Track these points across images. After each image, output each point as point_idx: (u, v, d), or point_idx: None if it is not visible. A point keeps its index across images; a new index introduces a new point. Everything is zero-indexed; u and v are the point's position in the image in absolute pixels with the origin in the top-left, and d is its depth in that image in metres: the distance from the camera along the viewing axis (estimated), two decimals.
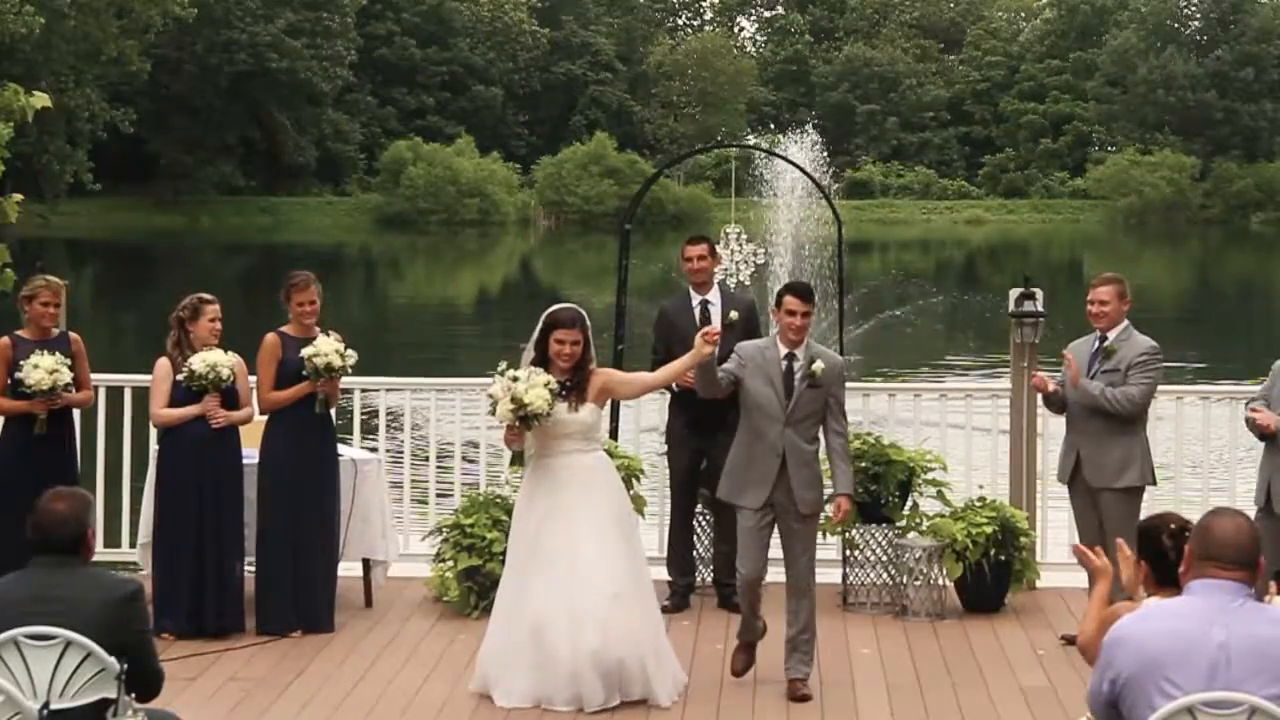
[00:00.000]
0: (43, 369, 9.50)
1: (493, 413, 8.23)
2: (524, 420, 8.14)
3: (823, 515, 9.03)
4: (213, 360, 9.62)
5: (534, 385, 8.14)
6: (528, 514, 8.40)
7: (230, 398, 9.76)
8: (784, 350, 8.56)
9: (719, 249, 11.28)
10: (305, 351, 9.69)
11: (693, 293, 10.54)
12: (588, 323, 8.49)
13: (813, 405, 8.54)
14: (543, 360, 8.37)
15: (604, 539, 8.25)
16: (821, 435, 8.68)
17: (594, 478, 8.39)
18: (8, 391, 9.69)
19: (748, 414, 8.60)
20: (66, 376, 9.59)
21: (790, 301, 8.59)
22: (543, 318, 8.50)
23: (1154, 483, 9.75)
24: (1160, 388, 9.84)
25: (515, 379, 8.16)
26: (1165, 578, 5.51)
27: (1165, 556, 5.54)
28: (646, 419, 11.73)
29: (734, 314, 10.39)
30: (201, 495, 9.70)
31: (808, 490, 8.54)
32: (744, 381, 8.53)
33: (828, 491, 8.81)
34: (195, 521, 9.68)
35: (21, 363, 9.53)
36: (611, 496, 8.45)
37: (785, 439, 8.49)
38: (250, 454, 9.90)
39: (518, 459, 8.56)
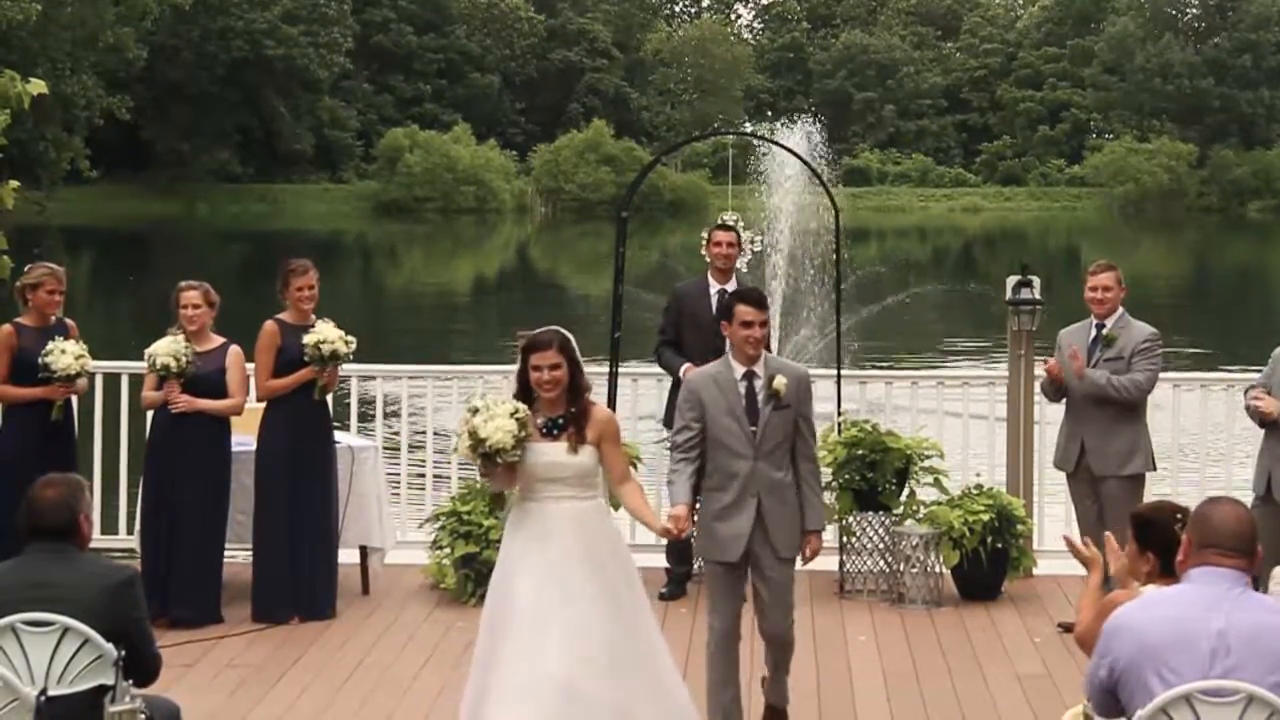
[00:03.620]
0: (70, 354, 9.56)
1: (455, 450, 7.15)
2: (486, 458, 6.90)
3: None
4: (151, 349, 9.67)
5: (494, 416, 6.90)
6: (509, 564, 7.06)
7: (208, 386, 9.74)
8: (740, 369, 7.40)
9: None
10: (309, 338, 9.70)
11: (711, 280, 10.51)
12: (574, 347, 7.14)
13: (783, 430, 7.39)
14: (525, 394, 7.08)
15: (607, 605, 6.92)
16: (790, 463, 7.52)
17: (593, 529, 7.04)
18: (9, 379, 9.71)
19: (713, 455, 7.38)
20: (90, 362, 9.66)
21: (744, 311, 7.39)
22: (521, 346, 7.24)
23: (1154, 469, 9.81)
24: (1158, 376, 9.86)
25: (474, 410, 6.96)
26: (1174, 568, 5.49)
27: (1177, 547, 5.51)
28: (644, 406, 11.72)
29: None
30: (168, 481, 9.71)
31: (785, 531, 7.42)
32: (706, 425, 7.36)
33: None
34: (163, 507, 9.70)
35: (49, 347, 9.57)
36: (606, 548, 7.07)
37: (758, 474, 7.35)
38: (247, 441, 9.91)
39: (498, 500, 7.36)
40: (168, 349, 9.62)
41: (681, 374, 10.18)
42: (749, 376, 7.37)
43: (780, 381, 7.34)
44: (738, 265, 11.18)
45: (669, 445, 7.48)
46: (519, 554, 6.99)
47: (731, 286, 10.40)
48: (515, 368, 7.26)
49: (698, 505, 7.59)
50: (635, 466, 10.46)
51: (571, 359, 7.05)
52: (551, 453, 6.99)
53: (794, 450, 7.43)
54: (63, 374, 9.58)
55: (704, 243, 10.64)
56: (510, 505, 7.31)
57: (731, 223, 11.17)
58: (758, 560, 7.42)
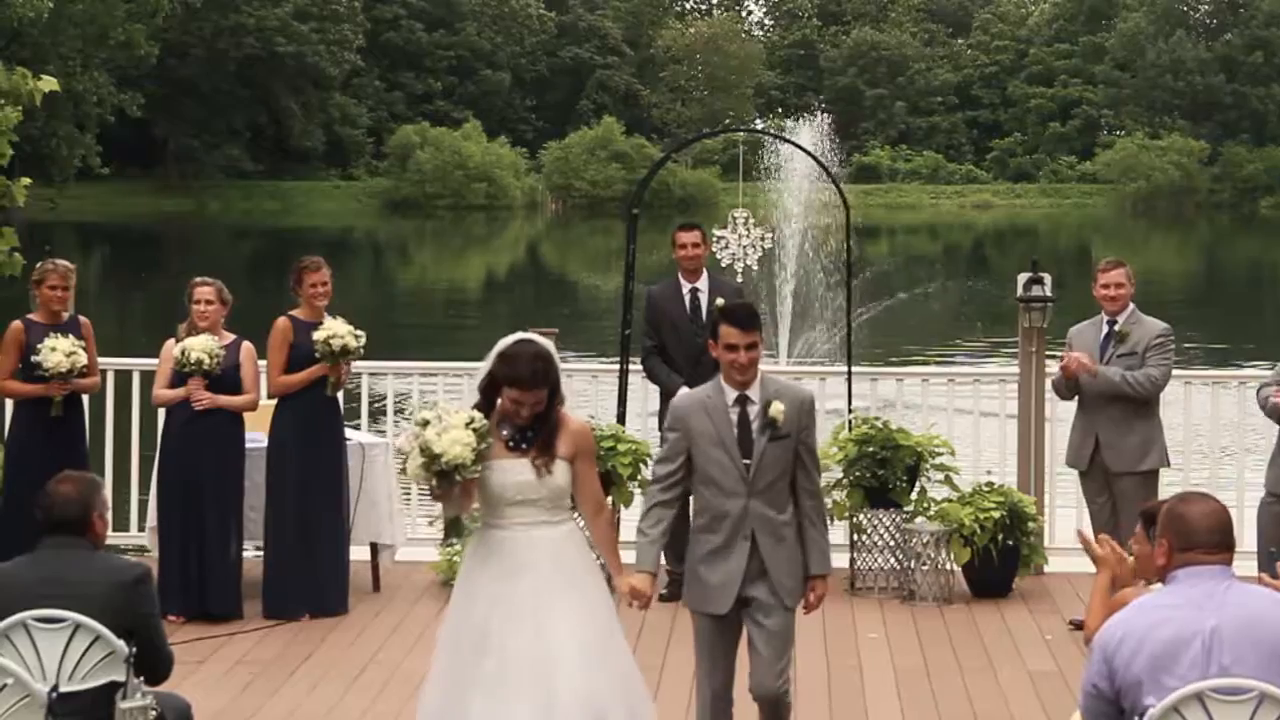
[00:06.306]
0: (60, 352, 9.56)
1: (404, 472, 6.22)
2: (442, 476, 6.05)
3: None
4: (184, 345, 9.67)
5: (449, 428, 6.04)
6: (471, 600, 6.22)
7: (224, 383, 9.75)
8: (732, 394, 6.43)
9: (726, 233, 11.27)
10: (319, 334, 9.71)
11: (682, 280, 10.52)
12: (555, 365, 6.25)
13: (781, 463, 6.44)
14: (487, 410, 6.21)
15: (581, 642, 6.12)
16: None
17: (567, 557, 6.23)
18: (19, 375, 9.74)
19: (700, 492, 6.50)
20: (83, 359, 9.68)
21: (728, 333, 6.36)
22: (493, 358, 6.23)
23: (1169, 464, 9.83)
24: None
25: (424, 423, 6.09)
26: None
27: None
28: (654, 403, 11.71)
29: (720, 300, 10.38)
30: (188, 478, 9.72)
31: (788, 577, 6.50)
32: (693, 456, 6.44)
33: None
34: (183, 504, 9.71)
35: (39, 346, 9.58)
36: (590, 580, 6.28)
37: (752, 514, 6.41)
38: (258, 438, 9.92)
39: (453, 528, 6.39)
40: (202, 346, 9.63)
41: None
42: (742, 402, 6.42)
43: (777, 408, 6.39)
44: (750, 263, 11.18)
45: (652, 477, 6.71)
46: (483, 590, 6.18)
47: (703, 284, 10.46)
48: (492, 353, 6.28)
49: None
50: (645, 463, 10.45)
51: (554, 384, 6.20)
52: (521, 470, 6.15)
53: (794, 484, 6.51)
54: (54, 371, 9.59)
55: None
56: (468, 531, 6.45)
57: (742, 217, 11.16)
58: (751, 607, 6.49)
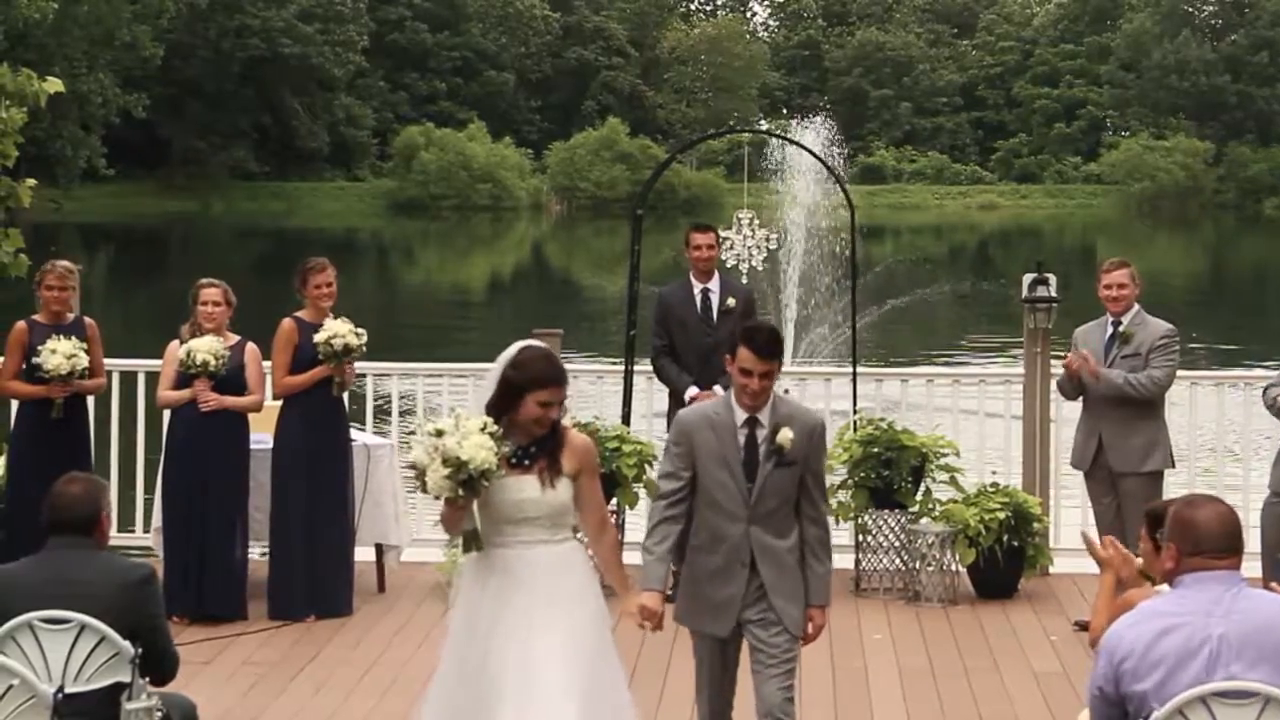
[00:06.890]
0: (60, 354, 9.56)
1: (423, 488, 5.87)
2: (467, 485, 5.77)
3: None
4: (189, 346, 9.67)
5: (468, 434, 5.76)
6: (474, 615, 6.07)
7: (229, 384, 9.76)
8: (742, 415, 6.29)
9: (731, 233, 11.28)
10: (319, 336, 9.71)
11: (694, 281, 10.53)
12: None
13: (784, 490, 6.29)
14: (498, 415, 5.97)
15: (579, 663, 5.95)
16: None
17: (564, 577, 6.04)
18: (23, 376, 9.75)
19: (700, 511, 6.37)
20: (84, 361, 9.66)
21: (745, 357, 6.18)
22: (505, 369, 6.03)
23: (1173, 465, 9.81)
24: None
25: (439, 432, 5.78)
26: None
27: None
28: (660, 403, 11.72)
29: (731, 300, 10.40)
30: (192, 479, 9.72)
31: (790, 603, 6.36)
32: (697, 473, 6.33)
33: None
34: (188, 505, 9.72)
35: (40, 348, 9.58)
36: (587, 601, 6.09)
37: (752, 540, 6.31)
38: (264, 439, 9.93)
39: (471, 541, 6.03)
40: (208, 347, 9.64)
41: (686, 399, 10.10)
42: (751, 424, 6.27)
43: (785, 435, 6.23)
44: (755, 264, 11.19)
45: (656, 493, 6.65)
46: (484, 608, 6.02)
47: (714, 285, 10.49)
48: (496, 369, 6.07)
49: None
50: (650, 464, 10.45)
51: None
52: (522, 488, 5.96)
53: (799, 510, 6.38)
54: (54, 373, 9.60)
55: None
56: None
57: (747, 218, 11.17)
58: (753, 625, 6.40)
